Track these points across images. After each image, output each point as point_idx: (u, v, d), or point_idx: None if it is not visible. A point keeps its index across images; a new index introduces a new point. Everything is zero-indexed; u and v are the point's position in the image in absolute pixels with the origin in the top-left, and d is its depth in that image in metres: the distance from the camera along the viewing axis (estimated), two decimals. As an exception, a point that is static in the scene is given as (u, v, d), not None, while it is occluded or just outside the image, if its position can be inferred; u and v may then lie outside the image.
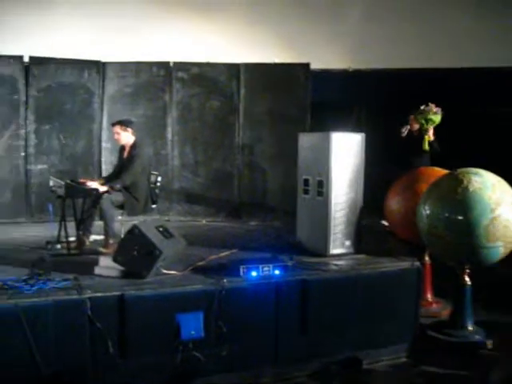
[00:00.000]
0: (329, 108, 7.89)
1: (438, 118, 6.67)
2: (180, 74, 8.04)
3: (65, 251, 5.35)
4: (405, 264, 4.98)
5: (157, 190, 6.07)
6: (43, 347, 3.76)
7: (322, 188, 5.24)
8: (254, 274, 4.39)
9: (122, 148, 5.98)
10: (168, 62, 8.04)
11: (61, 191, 5.40)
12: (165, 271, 4.42)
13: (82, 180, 5.72)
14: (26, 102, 7.67)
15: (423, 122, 6.72)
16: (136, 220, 5.37)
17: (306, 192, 5.50)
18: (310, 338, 4.55)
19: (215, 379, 4.28)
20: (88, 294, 3.89)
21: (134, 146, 5.84)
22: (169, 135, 8.01)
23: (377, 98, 8.29)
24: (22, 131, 7.66)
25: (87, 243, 5.62)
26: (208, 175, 8.03)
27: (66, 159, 7.80)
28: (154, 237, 4.28)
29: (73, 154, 7.83)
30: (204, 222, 7.75)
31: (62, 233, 5.49)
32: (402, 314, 4.91)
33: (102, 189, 5.48)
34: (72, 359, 3.88)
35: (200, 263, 4.80)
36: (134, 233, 4.24)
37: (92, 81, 7.89)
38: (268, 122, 7.99)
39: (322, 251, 5.22)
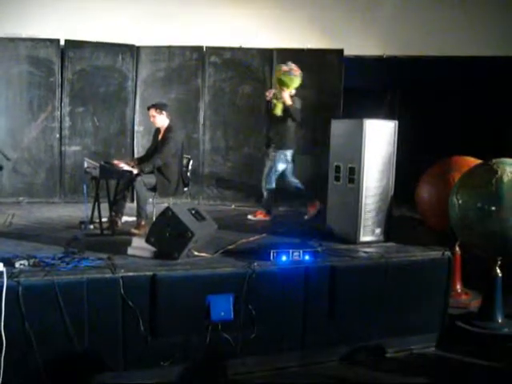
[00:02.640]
0: (362, 95, 7.83)
1: (292, 81, 6.25)
2: (213, 59, 8.05)
3: (98, 231, 5.45)
4: (435, 254, 4.95)
5: (188, 174, 6.13)
6: (77, 324, 3.86)
7: (354, 175, 5.22)
8: (284, 258, 4.42)
9: (157, 131, 6.05)
10: (201, 47, 8.06)
11: (95, 172, 5.48)
12: (196, 253, 4.48)
13: (115, 162, 5.79)
14: (62, 85, 7.79)
15: (276, 83, 6.43)
16: (167, 202, 5.46)
17: (337, 179, 5.49)
18: (338, 323, 4.58)
19: (244, 362, 4.33)
20: (121, 273, 3.97)
21: (168, 129, 5.89)
22: (200, 119, 8.05)
23: (411, 84, 8.18)
24: (57, 113, 7.79)
25: (119, 224, 5.72)
26: (239, 160, 8.05)
27: (99, 141, 7.92)
28: (187, 219, 4.33)
29: (106, 137, 7.94)
30: (233, 206, 7.79)
31: (96, 213, 5.59)
32: (431, 303, 4.90)
33: (135, 171, 5.55)
34: (104, 336, 3.97)
35: (230, 246, 4.84)
36: (166, 214, 4.30)
37: (126, 64, 7.96)
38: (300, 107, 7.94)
39: (351, 238, 5.22)
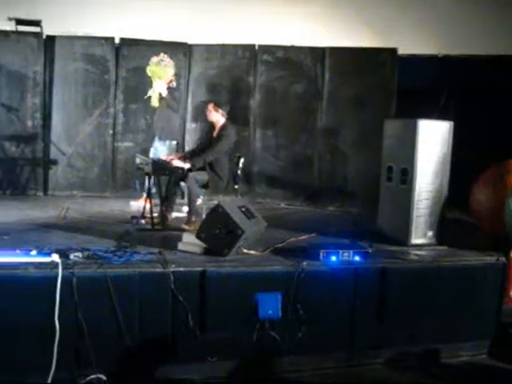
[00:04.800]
0: (415, 94, 7.67)
1: (164, 71, 6.27)
2: (265, 57, 8.05)
3: (149, 226, 5.53)
4: (489, 259, 4.82)
5: (239, 171, 6.15)
6: (128, 317, 3.94)
7: (406, 176, 5.14)
8: (333, 258, 4.39)
9: (211, 126, 6.08)
10: (253, 45, 8.06)
11: (147, 168, 5.57)
12: (245, 250, 4.50)
13: (166, 157, 5.87)
14: (116, 82, 7.93)
15: (151, 75, 6.40)
16: (217, 200, 5.49)
17: (389, 179, 5.42)
18: (387, 326, 4.51)
19: (290, 360, 4.32)
20: (172, 268, 4.02)
21: (223, 127, 5.93)
22: (251, 118, 8.07)
23: (466, 84, 7.98)
24: (111, 110, 7.95)
25: (169, 219, 5.79)
26: (289, 158, 8.01)
27: (151, 138, 8.00)
28: (237, 216, 4.35)
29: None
30: (283, 205, 7.76)
31: (147, 208, 5.67)
32: (483, 310, 4.78)
33: (187, 166, 5.61)
34: (154, 330, 4.04)
35: (279, 245, 4.83)
36: (217, 211, 4.33)
37: (179, 62, 8.03)
38: (352, 107, 7.86)
39: (403, 240, 5.15)
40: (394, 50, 7.86)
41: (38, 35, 7.70)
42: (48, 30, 7.74)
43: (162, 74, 6.46)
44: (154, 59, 6.49)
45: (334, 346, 4.45)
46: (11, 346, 3.78)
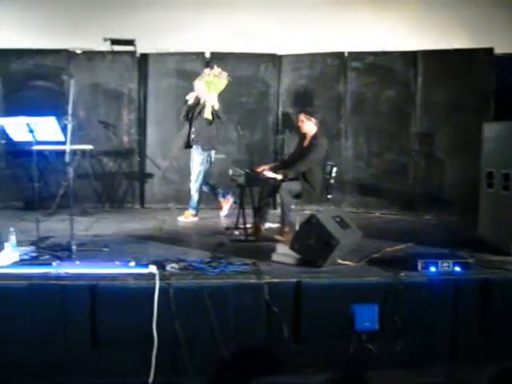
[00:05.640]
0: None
1: (221, 83, 6.11)
2: (354, 64, 7.95)
3: (243, 237, 5.58)
4: None
5: (332, 181, 6.08)
6: (223, 327, 3.97)
7: (509, 182, 4.88)
8: (432, 269, 4.24)
9: (303, 137, 6.06)
10: (342, 53, 7.98)
11: (241, 180, 5.63)
12: (340, 261, 4.43)
13: (259, 169, 5.90)
14: (207, 96, 8.09)
15: (205, 87, 6.19)
16: (309, 210, 5.45)
17: (489, 186, 5.18)
18: (491, 341, 4.27)
19: (387, 374, 4.19)
20: (266, 279, 4.02)
21: (315, 136, 5.90)
22: (342, 126, 7.97)
23: None
24: (204, 123, 8.10)
25: (263, 230, 5.81)
26: (382, 166, 7.84)
27: (242, 149, 8.11)
28: (331, 226, 4.30)
29: (249, 145, 8.11)
30: (377, 213, 7.59)
31: (240, 220, 5.72)
32: None
33: (279, 177, 5.61)
34: (249, 341, 4.04)
35: (375, 255, 4.74)
36: (311, 222, 4.30)
37: (268, 73, 8.09)
38: (447, 111, 7.58)
39: (506, 249, 4.87)
40: (490, 50, 7.52)
41: (132, 54, 8.04)
42: (141, 48, 8.05)
43: (220, 86, 6.50)
44: (213, 71, 6.51)
45: (433, 360, 4.26)
46: (113, 353, 3.92)
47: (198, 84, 6.75)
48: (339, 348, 4.06)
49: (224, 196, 7.12)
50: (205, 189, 7.03)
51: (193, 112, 6.84)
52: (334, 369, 4.10)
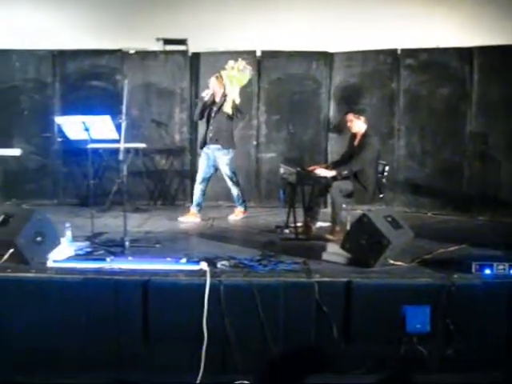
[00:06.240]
0: None
1: (244, 78, 5.91)
2: (408, 61, 7.79)
3: (293, 236, 5.57)
4: None
5: (384, 180, 6.00)
6: (273, 325, 3.97)
7: None
8: (487, 271, 4.13)
9: (353, 136, 6.00)
10: (395, 50, 7.84)
11: (292, 178, 5.61)
12: (392, 261, 4.37)
13: (310, 168, 5.88)
14: (258, 94, 8.10)
15: (227, 81, 6.00)
16: (361, 209, 5.39)
17: (549, 186, 5.00)
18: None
19: (438, 377, 4.10)
20: (316, 278, 4.01)
21: (365, 135, 5.84)
22: (395, 124, 7.85)
23: None
24: (254, 121, 8.13)
25: (313, 229, 5.78)
26: (435, 166, 7.65)
27: (293, 148, 8.09)
28: (383, 226, 4.25)
29: (300, 143, 8.07)
30: (430, 214, 7.43)
31: (291, 218, 5.71)
32: None
33: (331, 174, 5.57)
34: (298, 339, 4.03)
35: (428, 256, 4.65)
36: (362, 221, 4.27)
37: (320, 71, 8.04)
38: (504, 108, 7.32)
39: None
40: (551, 44, 7.25)
41: (184, 53, 8.12)
42: (193, 47, 8.13)
43: (243, 81, 6.37)
44: (237, 65, 6.35)
45: (488, 364, 4.14)
46: (164, 349, 3.98)
47: (211, 81, 6.65)
48: (389, 350, 4.01)
49: (245, 207, 6.97)
50: (234, 191, 6.90)
51: (209, 110, 6.72)
52: (383, 370, 4.06)
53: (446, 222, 6.72)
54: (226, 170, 6.80)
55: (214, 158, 6.77)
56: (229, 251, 4.82)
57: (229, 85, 6.43)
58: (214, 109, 6.65)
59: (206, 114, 6.73)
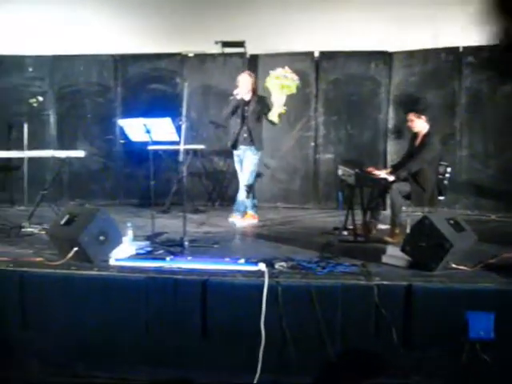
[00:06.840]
0: None
1: (295, 86, 5.88)
2: (469, 59, 7.60)
3: (351, 238, 5.52)
4: None
5: (445, 182, 5.85)
6: (330, 327, 3.94)
7: None
8: (555, 277, 3.96)
9: (414, 136, 5.89)
10: (457, 48, 7.67)
11: (350, 180, 5.56)
12: (454, 265, 4.26)
13: (369, 169, 5.81)
14: (317, 95, 8.09)
15: (277, 88, 5.87)
16: (421, 212, 5.28)
17: None
18: None
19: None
20: (376, 281, 3.96)
21: (427, 135, 5.71)
22: (457, 124, 7.66)
23: None
24: (312, 123, 8.11)
25: (373, 232, 5.72)
26: (500, 167, 7.42)
27: (352, 149, 8.02)
28: (445, 229, 4.15)
29: (358, 144, 8.01)
30: (493, 217, 7.20)
31: (349, 220, 5.66)
32: None
33: (391, 178, 5.49)
34: (356, 343, 3.98)
35: (492, 260, 4.49)
36: (423, 224, 4.18)
37: (379, 71, 7.95)
38: None
39: None
40: None
41: (242, 55, 8.21)
42: (251, 49, 8.20)
43: (294, 89, 6.17)
44: (287, 74, 6.14)
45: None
46: (222, 348, 4.02)
47: (244, 78, 6.53)
48: (450, 356, 3.90)
49: (256, 212, 6.72)
50: (241, 195, 6.67)
51: (242, 110, 6.54)
52: (443, 377, 3.96)
53: (510, 225, 6.49)
54: (248, 168, 6.55)
55: (244, 157, 6.62)
56: (286, 252, 4.83)
57: (278, 92, 6.22)
58: (246, 108, 6.53)
59: (239, 114, 6.54)
